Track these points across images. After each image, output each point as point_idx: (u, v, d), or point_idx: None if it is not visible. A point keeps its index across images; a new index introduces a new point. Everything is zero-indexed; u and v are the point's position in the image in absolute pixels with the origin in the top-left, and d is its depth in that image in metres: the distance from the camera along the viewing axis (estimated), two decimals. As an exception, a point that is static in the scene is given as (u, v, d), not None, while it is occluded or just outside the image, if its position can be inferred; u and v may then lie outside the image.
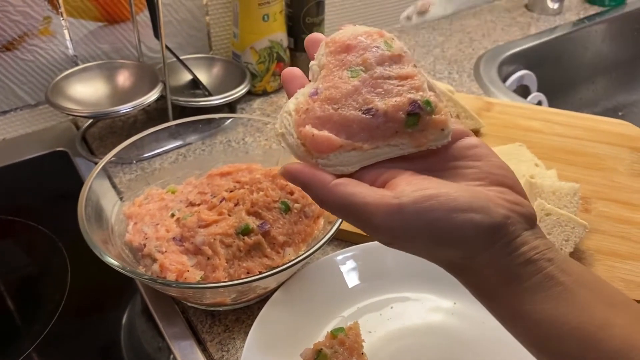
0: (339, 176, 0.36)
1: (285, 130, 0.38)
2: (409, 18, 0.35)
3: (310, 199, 0.60)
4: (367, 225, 0.34)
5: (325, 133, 0.36)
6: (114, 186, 0.68)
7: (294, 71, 0.41)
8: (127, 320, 0.59)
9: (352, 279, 0.60)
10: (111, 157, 0.62)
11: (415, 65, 0.38)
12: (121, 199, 0.64)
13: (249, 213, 0.58)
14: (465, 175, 0.36)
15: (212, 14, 0.93)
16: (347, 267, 0.60)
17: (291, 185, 0.60)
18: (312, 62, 0.40)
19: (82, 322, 0.59)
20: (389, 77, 0.37)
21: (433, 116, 0.36)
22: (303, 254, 0.52)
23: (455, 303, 0.59)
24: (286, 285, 0.57)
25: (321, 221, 0.61)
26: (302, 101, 0.38)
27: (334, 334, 0.51)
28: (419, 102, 0.36)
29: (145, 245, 0.57)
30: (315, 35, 0.42)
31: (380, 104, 0.36)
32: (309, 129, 0.36)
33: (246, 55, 0.89)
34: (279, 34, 0.89)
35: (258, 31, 0.87)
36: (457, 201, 0.33)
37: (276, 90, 0.94)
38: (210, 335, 0.57)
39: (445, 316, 0.58)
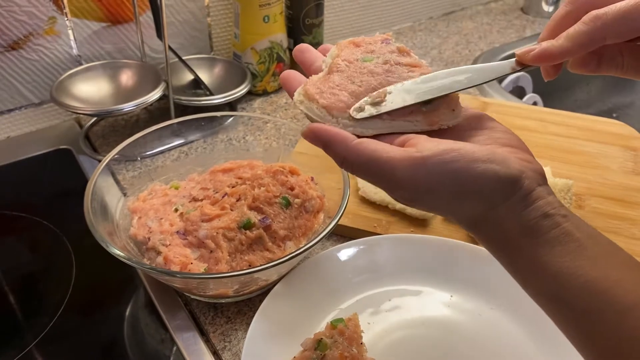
0: (358, 137, 0.37)
1: (304, 97, 0.39)
2: (360, 108, 0.37)
3: (309, 194, 0.62)
4: (390, 180, 0.36)
5: (344, 93, 0.38)
6: (117, 182, 0.69)
7: (291, 72, 0.43)
8: (131, 313, 0.60)
9: (351, 273, 0.61)
10: (115, 154, 0.64)
11: (422, 62, 0.41)
12: (125, 194, 0.65)
13: (250, 208, 0.60)
14: (475, 142, 0.37)
15: (214, 15, 0.94)
16: (347, 261, 0.62)
17: (292, 181, 0.62)
18: (324, 58, 0.42)
19: (86, 315, 0.60)
20: (399, 64, 0.40)
21: (445, 97, 0.38)
22: (303, 247, 0.54)
23: (451, 296, 0.60)
24: (287, 278, 0.58)
25: (321, 216, 0.62)
26: (319, 76, 0.40)
27: (333, 325, 0.52)
28: None
29: (149, 238, 0.58)
30: (303, 45, 0.44)
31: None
32: (327, 91, 0.38)
33: (247, 56, 0.91)
34: (279, 35, 0.91)
35: (258, 32, 0.89)
36: (476, 154, 0.34)
37: (276, 90, 0.96)
38: (212, 326, 0.58)
39: (442, 309, 0.59)
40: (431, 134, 0.38)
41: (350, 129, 0.38)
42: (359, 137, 0.37)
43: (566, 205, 0.65)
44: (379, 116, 0.38)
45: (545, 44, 0.39)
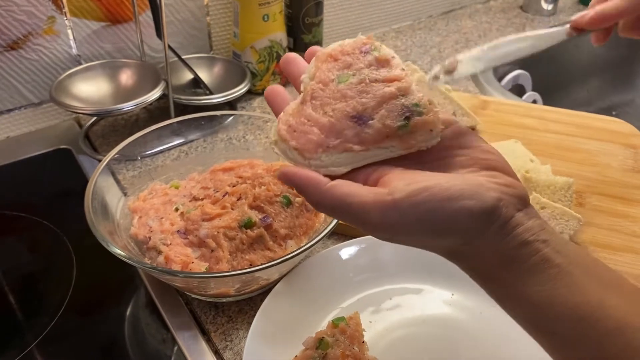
0: (332, 178, 0.36)
1: (278, 137, 0.38)
2: (436, 77, 0.36)
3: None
4: (365, 223, 0.35)
5: (315, 131, 0.37)
6: (118, 182, 0.69)
7: (276, 88, 0.42)
8: (132, 313, 0.60)
9: (352, 271, 0.61)
10: (115, 154, 0.64)
11: (403, 69, 0.38)
12: (125, 194, 0.65)
13: (251, 207, 0.59)
14: (454, 164, 0.37)
15: (213, 14, 0.94)
16: (348, 259, 0.62)
17: (292, 180, 0.62)
18: (303, 75, 0.41)
19: (87, 315, 0.60)
20: (376, 81, 0.38)
21: (423, 117, 0.36)
22: (304, 246, 0.54)
23: (453, 294, 0.60)
24: (288, 277, 0.58)
25: (322, 214, 0.62)
26: (293, 107, 0.39)
27: (335, 323, 0.53)
28: (408, 105, 0.36)
29: (150, 238, 0.58)
30: (290, 55, 0.43)
31: (371, 122, 0.37)
32: (299, 129, 0.38)
33: (246, 55, 0.91)
34: (279, 34, 0.91)
35: (258, 31, 0.89)
36: (449, 190, 0.33)
37: (276, 90, 0.96)
38: (214, 325, 0.58)
39: (443, 307, 0.59)
40: (410, 155, 0.37)
41: (323, 170, 0.37)
42: (332, 177, 0.37)
43: (567, 203, 0.66)
44: (350, 149, 0.37)
45: (599, 7, 0.40)
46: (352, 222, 0.36)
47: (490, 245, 0.34)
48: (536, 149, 0.77)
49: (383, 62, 0.39)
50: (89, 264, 0.64)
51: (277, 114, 0.41)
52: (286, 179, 0.37)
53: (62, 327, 0.58)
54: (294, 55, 0.43)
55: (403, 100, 0.37)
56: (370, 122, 0.37)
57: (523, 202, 0.35)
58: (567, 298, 0.33)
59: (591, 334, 0.32)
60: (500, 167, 0.37)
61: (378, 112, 0.37)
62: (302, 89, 0.40)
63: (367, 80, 0.38)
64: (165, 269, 0.54)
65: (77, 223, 0.57)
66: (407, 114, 0.36)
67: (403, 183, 0.34)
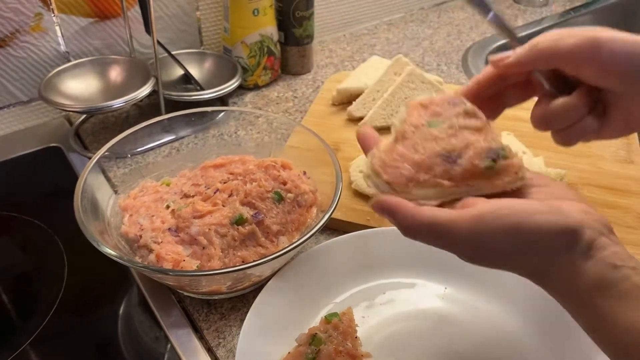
0: None
1: (371, 172, 0.41)
2: None
3: (302, 188, 0.61)
4: (451, 238, 0.37)
5: (406, 166, 0.40)
6: (108, 180, 0.69)
7: (369, 132, 0.44)
8: (125, 312, 0.59)
9: (345, 267, 0.61)
10: (105, 152, 0.63)
11: (488, 123, 0.42)
12: (115, 192, 0.65)
13: (242, 203, 0.59)
14: (534, 196, 0.38)
15: (203, 9, 0.93)
16: (340, 254, 0.61)
17: (284, 175, 0.62)
18: (394, 119, 0.44)
19: (80, 314, 0.59)
20: (466, 127, 0.41)
21: (508, 160, 0.39)
22: (296, 242, 0.53)
23: (446, 288, 0.60)
24: (280, 273, 0.58)
25: (314, 210, 0.62)
26: (386, 145, 0.42)
27: (328, 319, 0.52)
28: (494, 149, 0.39)
29: (141, 236, 0.58)
30: (367, 131, 0.44)
31: (459, 161, 0.39)
32: (391, 164, 0.40)
33: (237, 50, 0.90)
34: (270, 28, 0.90)
35: (248, 25, 0.88)
36: (534, 206, 0.35)
37: (267, 84, 0.95)
38: (206, 323, 0.58)
39: (436, 301, 0.59)
40: (491, 196, 0.39)
41: (413, 203, 0.39)
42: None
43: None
44: (440, 184, 0.39)
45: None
46: (439, 241, 0.38)
47: (576, 266, 0.35)
48: (529, 140, 0.76)
49: (471, 114, 0.42)
50: (80, 262, 0.64)
51: (366, 153, 0.43)
52: (379, 206, 0.39)
53: (55, 326, 0.57)
54: (371, 131, 0.44)
55: (491, 145, 0.39)
56: (458, 160, 0.39)
57: (607, 228, 0.36)
58: None
59: None
60: (576, 199, 0.38)
61: (466, 153, 0.39)
62: (392, 132, 0.43)
63: (457, 127, 0.41)
64: (157, 267, 0.54)
65: (68, 222, 0.57)
66: (494, 156, 0.39)
67: (487, 204, 0.36)
